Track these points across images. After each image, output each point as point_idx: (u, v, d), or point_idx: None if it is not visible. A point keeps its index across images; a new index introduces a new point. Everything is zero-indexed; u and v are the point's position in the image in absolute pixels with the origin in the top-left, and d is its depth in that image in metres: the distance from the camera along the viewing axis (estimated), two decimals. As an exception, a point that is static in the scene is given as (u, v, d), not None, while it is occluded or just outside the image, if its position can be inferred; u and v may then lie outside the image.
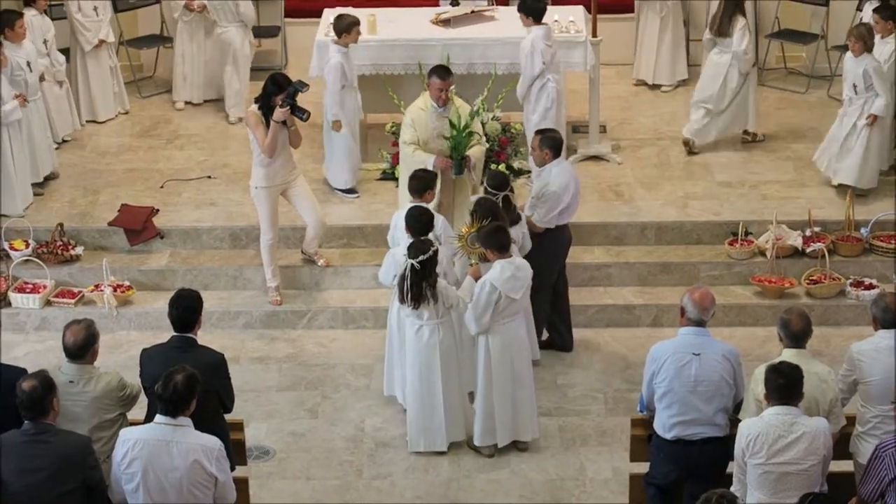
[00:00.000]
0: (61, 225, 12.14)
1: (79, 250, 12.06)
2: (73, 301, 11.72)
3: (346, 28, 12.10)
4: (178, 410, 7.44)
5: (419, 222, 9.83)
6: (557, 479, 9.81)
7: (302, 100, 11.04)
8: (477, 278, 9.73)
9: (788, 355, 7.96)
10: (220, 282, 11.97)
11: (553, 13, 12.86)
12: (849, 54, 12.23)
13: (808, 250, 11.80)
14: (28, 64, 12.54)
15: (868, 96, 12.12)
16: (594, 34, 12.92)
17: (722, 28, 12.95)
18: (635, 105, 14.47)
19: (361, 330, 11.66)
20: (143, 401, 8.29)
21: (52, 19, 13.59)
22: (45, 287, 11.77)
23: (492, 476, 9.82)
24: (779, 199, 12.48)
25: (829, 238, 11.86)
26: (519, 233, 10.30)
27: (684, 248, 12.11)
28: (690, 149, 13.28)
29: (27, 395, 7.39)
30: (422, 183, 10.36)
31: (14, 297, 11.71)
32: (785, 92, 14.58)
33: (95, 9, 14.01)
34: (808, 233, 11.91)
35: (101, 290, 11.70)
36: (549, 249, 10.63)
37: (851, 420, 8.31)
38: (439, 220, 10.33)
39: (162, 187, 12.88)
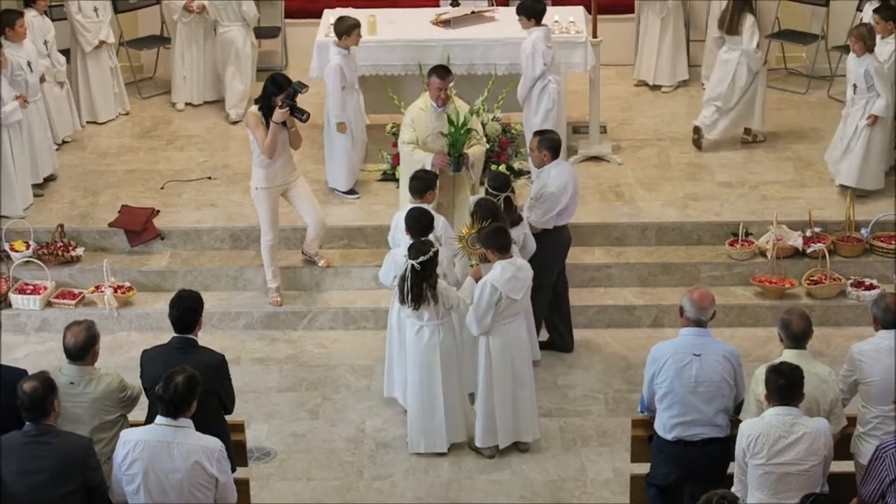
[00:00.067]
0: (62, 226, 12.14)
1: (79, 251, 12.06)
2: (73, 302, 11.72)
3: (346, 30, 12.10)
4: (179, 411, 7.44)
5: (419, 224, 9.84)
6: (558, 479, 9.81)
7: (302, 101, 11.05)
8: (477, 279, 9.73)
9: (789, 356, 7.96)
10: (221, 283, 11.98)
11: (553, 14, 12.87)
12: (851, 55, 12.24)
13: (809, 251, 11.80)
14: (28, 64, 12.55)
15: (869, 97, 12.12)
16: (594, 35, 12.92)
17: (731, 26, 12.97)
18: (636, 106, 14.47)
19: (362, 331, 11.66)
20: (143, 402, 8.29)
21: (53, 20, 13.59)
22: (45, 288, 11.77)
23: (493, 477, 9.82)
24: (779, 199, 12.48)
25: (830, 238, 11.86)
26: (520, 233, 10.29)
27: (685, 249, 12.11)
28: (699, 137, 13.29)
29: (28, 396, 7.39)
30: (422, 183, 10.37)
31: (14, 298, 11.71)
32: (785, 92, 14.58)
33: (96, 10, 14.01)
34: (808, 233, 11.91)
35: (102, 292, 11.70)
36: (549, 250, 10.63)
37: (852, 420, 8.31)
38: (440, 220, 10.33)
39: (162, 188, 12.88)
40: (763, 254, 11.88)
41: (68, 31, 14.02)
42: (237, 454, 8.47)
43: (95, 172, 13.23)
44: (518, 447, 10.04)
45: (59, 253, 11.97)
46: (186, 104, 14.59)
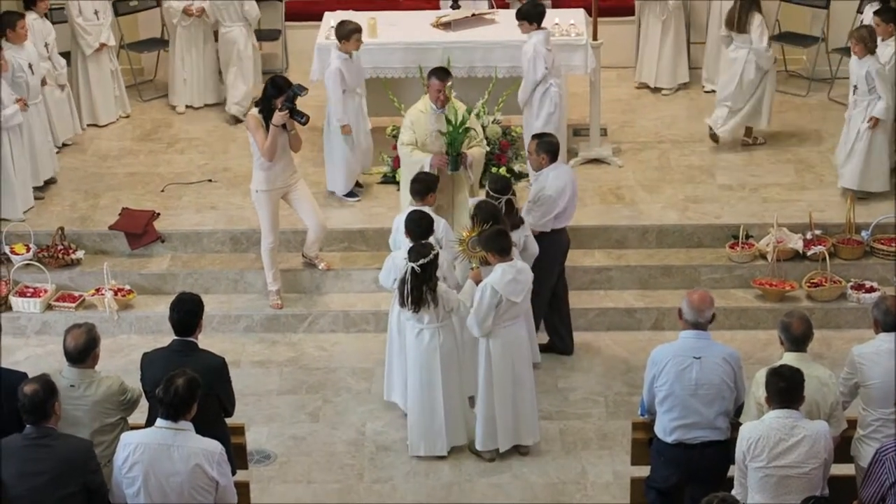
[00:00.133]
0: (62, 229, 12.14)
1: (79, 254, 12.06)
2: (73, 305, 11.72)
3: (345, 35, 12.11)
4: (179, 414, 7.44)
5: (419, 227, 9.84)
6: (559, 482, 9.81)
7: (302, 103, 11.05)
8: (478, 282, 9.73)
9: (789, 359, 7.96)
10: (221, 285, 11.97)
11: (554, 16, 12.87)
12: (854, 56, 12.24)
13: (809, 253, 11.80)
14: (30, 66, 12.55)
15: (871, 98, 12.13)
16: (595, 37, 12.92)
17: (739, 24, 13.00)
18: (636, 108, 14.47)
19: (362, 333, 11.66)
20: (143, 405, 8.29)
21: (53, 23, 13.59)
22: (45, 291, 11.77)
23: (493, 480, 9.82)
24: (779, 202, 12.48)
25: (830, 241, 11.86)
26: (521, 236, 10.29)
27: (685, 252, 12.11)
28: (715, 133, 13.32)
29: (29, 398, 7.39)
30: (423, 186, 10.38)
31: (15, 301, 11.71)
32: (786, 95, 14.57)
33: (96, 12, 14.02)
34: (808, 236, 11.90)
35: (102, 294, 11.70)
36: (547, 253, 10.62)
37: (852, 423, 8.30)
38: (441, 223, 10.33)
39: (163, 191, 12.88)
40: (763, 256, 11.87)
41: (69, 34, 14.02)
42: (237, 457, 8.47)
43: (96, 175, 13.23)
44: (518, 450, 10.04)
45: (60, 256, 11.97)
46: (187, 107, 14.59)
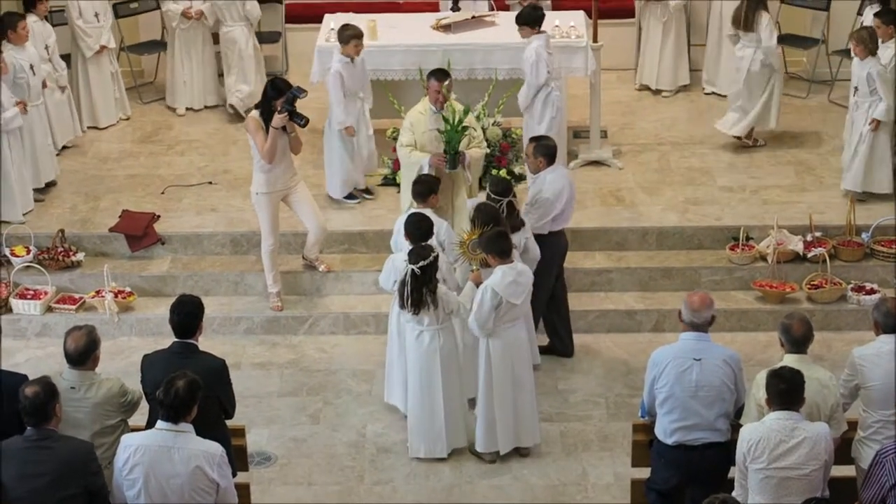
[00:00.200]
0: (62, 231, 12.14)
1: (80, 256, 12.06)
2: (74, 307, 11.72)
3: (345, 40, 12.11)
4: (180, 416, 7.44)
5: (419, 229, 9.85)
6: (559, 484, 9.81)
7: (303, 106, 11.05)
8: (478, 284, 9.73)
9: (790, 360, 7.96)
10: (221, 287, 11.97)
11: (554, 18, 12.88)
12: (855, 58, 12.25)
13: (810, 255, 11.80)
14: (31, 67, 12.56)
15: (872, 100, 12.13)
16: (595, 39, 12.93)
17: (746, 22, 13.02)
18: (636, 110, 14.47)
19: (363, 335, 11.66)
20: (144, 407, 8.29)
21: (53, 25, 13.59)
22: (46, 293, 11.77)
23: (494, 482, 9.82)
24: (780, 203, 12.48)
25: (830, 243, 11.86)
26: (522, 238, 10.29)
27: (685, 254, 12.11)
28: (743, 140, 13.36)
29: (30, 401, 7.39)
30: (425, 187, 10.38)
31: (15, 303, 11.71)
32: (786, 96, 14.51)
33: (97, 14, 14.02)
34: (809, 237, 11.90)
35: (103, 296, 11.70)
36: (545, 256, 10.60)
37: (853, 425, 8.30)
38: (443, 225, 10.34)
39: (163, 193, 12.88)
40: (764, 258, 11.87)
41: (69, 36, 14.02)
42: (238, 459, 8.48)
43: (96, 177, 13.23)
44: (519, 452, 10.04)
45: (60, 258, 11.97)
46: (187, 109, 14.60)
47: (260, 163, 11.10)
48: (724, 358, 8.24)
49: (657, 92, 14.77)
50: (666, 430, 8.31)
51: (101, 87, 14.19)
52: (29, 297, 11.75)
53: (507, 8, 14.29)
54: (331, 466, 10.04)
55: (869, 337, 8.58)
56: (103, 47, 14.08)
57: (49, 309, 11.75)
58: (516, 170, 12.82)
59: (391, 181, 12.80)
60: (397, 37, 13.09)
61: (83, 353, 7.99)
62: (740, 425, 7.95)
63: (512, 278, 9.54)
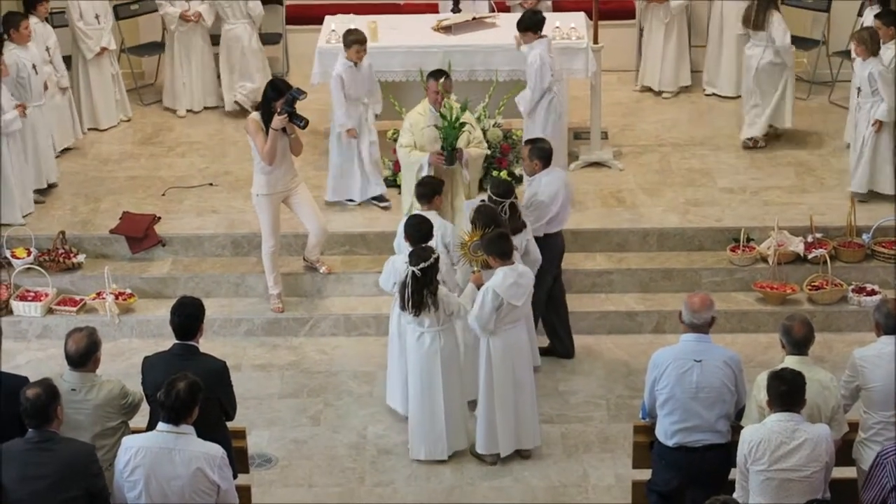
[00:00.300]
0: (63, 233, 12.15)
1: (80, 258, 12.06)
2: (74, 309, 11.72)
3: (347, 44, 12.12)
4: (181, 418, 7.44)
5: (419, 231, 9.85)
6: (560, 486, 9.81)
7: (303, 107, 11.05)
8: (479, 285, 9.73)
9: (790, 362, 7.96)
10: (222, 289, 11.97)
11: (554, 20, 12.88)
12: (857, 59, 12.26)
13: (810, 256, 11.79)
14: (34, 66, 12.56)
15: (874, 101, 12.14)
16: (595, 41, 12.93)
17: (756, 22, 13.04)
18: (637, 111, 14.47)
19: (363, 337, 11.66)
20: (144, 409, 8.28)
21: (54, 27, 13.58)
22: (46, 295, 11.77)
23: (494, 483, 9.82)
24: (780, 205, 12.48)
25: (831, 244, 11.86)
26: (523, 240, 10.29)
27: (686, 255, 12.11)
28: (757, 142, 13.40)
29: (31, 403, 7.38)
30: (429, 189, 10.39)
31: (16, 305, 11.71)
32: (786, 98, 14.59)
33: (97, 16, 14.02)
34: (809, 239, 11.90)
35: (103, 298, 11.70)
36: (542, 257, 10.61)
37: (854, 426, 8.30)
38: (447, 227, 10.34)
39: (163, 195, 12.88)
40: (764, 259, 11.87)
41: (69, 38, 14.02)
42: (238, 461, 8.47)
43: (97, 179, 13.23)
44: (520, 453, 10.04)
45: (61, 260, 11.97)
46: (188, 111, 14.60)
47: (260, 164, 11.10)
48: (725, 359, 8.23)
49: (659, 93, 14.77)
50: (667, 432, 8.30)
51: (101, 89, 14.20)
52: (30, 298, 11.75)
53: (507, 9, 14.29)
54: (331, 468, 10.04)
55: (870, 338, 8.58)
56: (104, 49, 14.09)
57: (50, 311, 11.75)
58: (517, 171, 12.82)
59: (392, 183, 12.80)
60: (398, 38, 13.10)
61: (84, 355, 7.98)
62: (741, 427, 7.94)
63: (513, 280, 9.54)
